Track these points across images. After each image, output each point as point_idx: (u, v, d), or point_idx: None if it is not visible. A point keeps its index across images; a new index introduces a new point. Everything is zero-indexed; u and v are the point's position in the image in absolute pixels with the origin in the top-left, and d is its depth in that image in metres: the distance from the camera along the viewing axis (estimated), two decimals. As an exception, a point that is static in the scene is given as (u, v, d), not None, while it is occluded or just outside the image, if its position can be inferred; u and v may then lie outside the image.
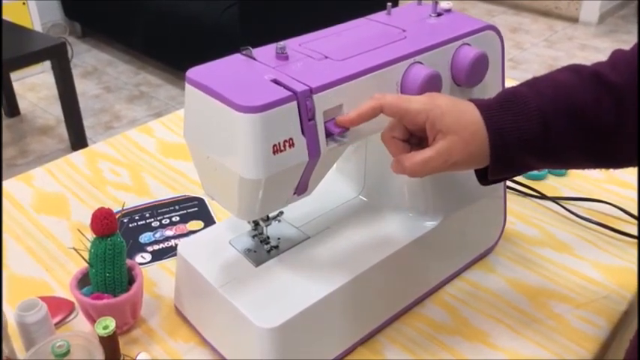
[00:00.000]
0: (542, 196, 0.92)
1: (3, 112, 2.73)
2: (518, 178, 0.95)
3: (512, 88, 0.58)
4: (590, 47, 3.35)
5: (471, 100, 0.58)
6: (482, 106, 0.56)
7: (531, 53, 3.28)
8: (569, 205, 0.90)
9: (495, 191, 0.79)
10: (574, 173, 0.98)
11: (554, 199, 0.91)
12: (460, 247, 0.78)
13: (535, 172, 0.97)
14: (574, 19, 3.70)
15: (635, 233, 0.84)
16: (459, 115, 0.55)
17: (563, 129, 0.54)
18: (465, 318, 0.72)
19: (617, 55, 0.59)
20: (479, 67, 0.66)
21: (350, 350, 0.67)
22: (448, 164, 0.55)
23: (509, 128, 0.54)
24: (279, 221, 0.70)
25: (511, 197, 0.92)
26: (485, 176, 0.60)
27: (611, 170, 0.99)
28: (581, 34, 3.53)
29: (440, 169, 0.56)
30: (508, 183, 0.92)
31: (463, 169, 0.57)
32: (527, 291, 0.76)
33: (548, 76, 0.58)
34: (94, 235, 0.67)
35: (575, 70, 0.58)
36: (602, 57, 0.59)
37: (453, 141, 0.54)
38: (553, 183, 0.96)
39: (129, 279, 0.70)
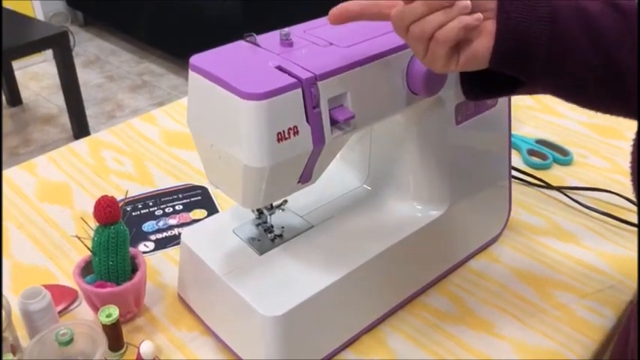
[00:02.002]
0: (548, 186, 0.92)
1: (5, 101, 2.72)
2: (523, 167, 0.95)
3: None
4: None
5: None
6: None
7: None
8: (574, 194, 0.90)
9: (500, 180, 0.79)
10: (579, 162, 0.98)
11: (560, 189, 0.91)
12: (465, 236, 0.77)
13: (540, 162, 0.96)
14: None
15: (641, 223, 0.84)
16: None
17: (570, 26, 0.51)
18: (469, 307, 0.72)
19: None
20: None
21: (354, 339, 0.67)
22: None
23: (519, 9, 0.51)
24: (283, 210, 0.70)
25: (516, 187, 0.91)
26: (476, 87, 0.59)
27: (617, 159, 0.98)
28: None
29: None
30: (513, 172, 0.91)
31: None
32: (532, 281, 0.75)
33: None
34: (98, 224, 0.67)
35: None
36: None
37: None
38: (558, 172, 0.95)
39: (132, 267, 0.69)
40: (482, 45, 0.52)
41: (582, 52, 0.51)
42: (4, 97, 2.72)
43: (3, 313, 0.59)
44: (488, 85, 0.61)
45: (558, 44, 0.51)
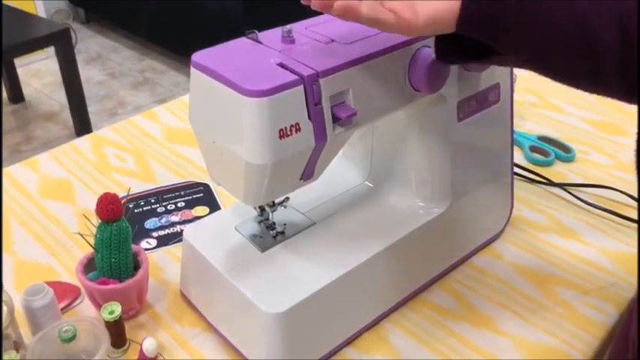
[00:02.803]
0: (550, 183, 0.91)
1: (7, 99, 2.73)
2: (525, 164, 0.95)
3: None
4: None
5: None
6: None
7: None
8: (576, 191, 0.90)
9: (502, 177, 0.79)
10: (581, 159, 0.97)
11: (562, 186, 0.91)
12: (467, 233, 0.77)
13: (542, 158, 0.96)
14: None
15: (643, 220, 0.84)
16: None
17: None
18: (471, 304, 0.72)
19: None
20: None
21: (356, 336, 0.67)
22: None
23: None
24: (285, 207, 0.70)
25: (518, 183, 0.91)
26: (449, 51, 0.58)
27: (620, 156, 0.98)
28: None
29: None
30: (515, 169, 0.91)
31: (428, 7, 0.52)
32: (533, 277, 0.75)
33: None
34: (100, 221, 0.67)
35: None
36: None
37: None
38: (560, 169, 0.95)
39: (134, 264, 0.70)
40: (447, 8, 0.51)
41: (554, 23, 0.49)
42: (5, 94, 2.72)
43: (5, 309, 0.59)
44: (461, 49, 0.58)
45: (527, 13, 0.49)
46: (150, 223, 0.85)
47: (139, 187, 0.92)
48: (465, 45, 0.56)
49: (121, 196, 0.68)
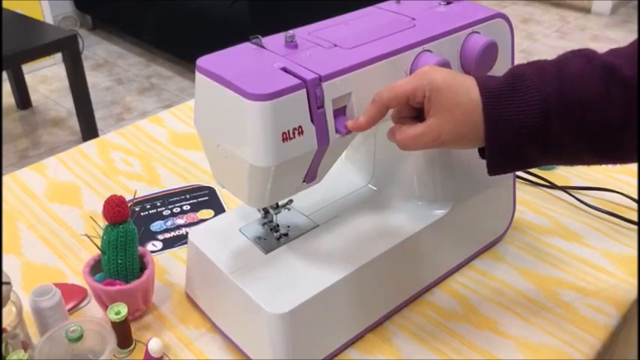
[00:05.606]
0: (552, 186, 0.92)
1: (15, 104, 2.75)
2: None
3: (520, 69, 0.56)
4: (602, 38, 3.31)
5: (473, 76, 0.57)
6: (483, 87, 0.55)
7: (543, 44, 3.26)
8: (579, 194, 0.90)
9: (505, 180, 0.79)
10: (584, 163, 0.98)
11: (564, 189, 0.91)
12: (469, 235, 0.78)
13: (545, 162, 0.97)
14: (586, 10, 3.67)
15: (646, 222, 0.84)
16: (454, 91, 0.54)
17: (566, 122, 0.52)
18: (474, 306, 0.72)
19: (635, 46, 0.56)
20: (488, 55, 0.66)
21: (359, 337, 0.68)
22: (438, 142, 0.55)
23: (508, 119, 0.53)
24: (289, 209, 0.71)
25: (521, 186, 0.92)
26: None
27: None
28: (593, 24, 3.50)
29: (431, 146, 0.56)
30: (518, 172, 0.91)
31: (455, 147, 0.57)
32: (536, 280, 0.76)
33: (559, 63, 0.55)
34: (107, 223, 0.68)
35: (587, 58, 0.55)
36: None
37: (445, 119, 0.54)
38: (563, 172, 0.95)
39: (140, 266, 0.71)
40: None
41: (579, 144, 0.54)
42: (13, 100, 2.75)
43: (14, 309, 0.60)
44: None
45: (553, 144, 0.54)
46: (156, 226, 0.86)
47: (145, 190, 0.93)
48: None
49: (127, 199, 0.69)
